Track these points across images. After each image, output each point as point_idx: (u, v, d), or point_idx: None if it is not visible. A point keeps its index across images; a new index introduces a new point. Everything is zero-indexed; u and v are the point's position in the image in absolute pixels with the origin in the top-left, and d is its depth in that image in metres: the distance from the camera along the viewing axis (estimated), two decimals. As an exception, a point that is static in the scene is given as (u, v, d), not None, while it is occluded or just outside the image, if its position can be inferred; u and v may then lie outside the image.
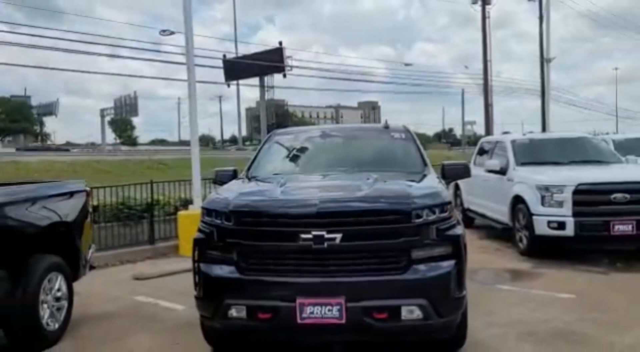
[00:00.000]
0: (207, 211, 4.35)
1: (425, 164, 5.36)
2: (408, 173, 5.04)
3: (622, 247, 8.26)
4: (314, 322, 3.90)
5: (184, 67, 10.31)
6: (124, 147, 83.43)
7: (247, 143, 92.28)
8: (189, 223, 9.41)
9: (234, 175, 5.48)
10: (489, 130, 31.89)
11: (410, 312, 3.94)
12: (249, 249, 4.09)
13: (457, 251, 4.10)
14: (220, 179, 5.48)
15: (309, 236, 3.92)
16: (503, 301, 6.02)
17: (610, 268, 7.60)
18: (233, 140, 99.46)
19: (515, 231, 8.80)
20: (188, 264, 8.06)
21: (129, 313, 6.09)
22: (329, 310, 3.87)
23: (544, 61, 25.92)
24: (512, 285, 6.75)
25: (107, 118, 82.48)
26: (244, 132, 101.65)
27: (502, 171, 9.39)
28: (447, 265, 4.04)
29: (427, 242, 4.02)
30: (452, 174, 5.24)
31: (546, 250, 8.20)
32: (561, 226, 7.85)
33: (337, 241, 3.91)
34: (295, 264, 4.01)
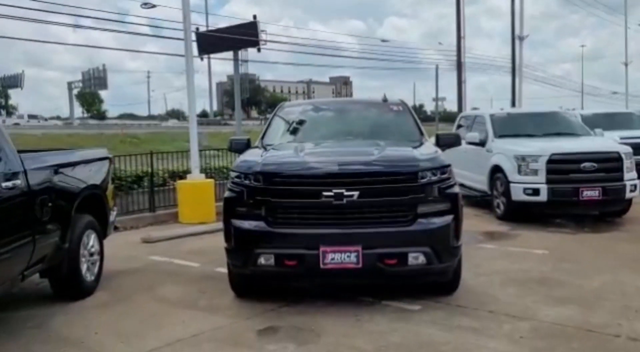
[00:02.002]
0: (237, 173, 4.93)
1: (421, 134, 6.01)
2: (408, 141, 5.69)
3: (588, 212, 9.14)
4: (335, 267, 4.55)
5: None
6: (92, 121, 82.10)
7: (219, 117, 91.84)
8: (188, 191, 9.99)
9: (247, 144, 6.03)
10: (461, 107, 32.77)
11: (416, 258, 4.62)
12: (276, 205, 4.70)
13: (455, 207, 4.79)
14: (235, 147, 6.04)
15: (330, 193, 4.55)
16: (486, 256, 6.78)
17: (578, 230, 8.46)
18: (204, 115, 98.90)
19: (493, 197, 9.59)
20: (191, 229, 8.89)
21: (150, 269, 6.64)
22: (347, 256, 4.53)
23: (515, 39, 26.81)
24: (493, 244, 7.53)
25: (75, 91, 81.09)
26: (215, 107, 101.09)
27: (482, 143, 10.12)
28: (447, 219, 4.72)
29: (430, 199, 4.69)
30: (446, 142, 5.91)
31: (521, 215, 9.01)
32: (536, 192, 8.64)
33: (355, 197, 4.55)
34: (318, 218, 4.65)
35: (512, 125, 10.33)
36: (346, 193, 4.54)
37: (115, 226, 6.60)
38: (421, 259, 4.63)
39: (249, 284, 5.19)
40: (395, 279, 4.97)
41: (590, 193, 8.49)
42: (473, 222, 9.27)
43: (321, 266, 4.54)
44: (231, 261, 4.96)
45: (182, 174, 10.65)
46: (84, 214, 5.47)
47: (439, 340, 4.22)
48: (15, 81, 78.95)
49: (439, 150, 5.26)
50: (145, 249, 7.78)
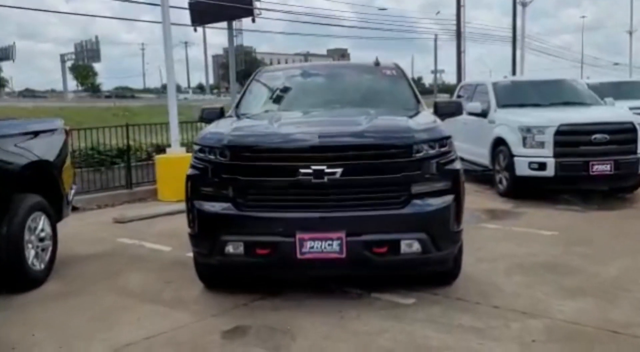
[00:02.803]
0: (200, 147, 4.22)
1: (418, 102, 5.28)
2: (403, 110, 4.96)
3: (598, 187, 8.45)
4: (314, 258, 3.88)
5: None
6: (86, 94, 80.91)
7: (215, 91, 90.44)
8: (167, 167, 9.28)
9: (221, 113, 5.31)
10: (460, 78, 31.88)
11: (409, 245, 3.95)
12: (245, 184, 4.00)
13: (456, 185, 4.09)
14: (207, 117, 5.31)
15: (309, 170, 3.85)
16: (489, 238, 6.12)
17: (588, 207, 7.78)
18: (200, 88, 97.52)
19: (495, 172, 8.91)
20: (168, 208, 8.16)
21: (116, 254, 5.99)
22: (329, 245, 3.85)
23: (516, 5, 25.82)
24: (496, 223, 6.86)
25: (68, 64, 79.62)
26: (211, 80, 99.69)
27: (483, 114, 9.40)
28: (447, 199, 4.03)
29: (427, 177, 3.99)
30: (446, 111, 5.18)
31: (525, 191, 8.34)
32: (542, 166, 7.96)
33: (337, 175, 3.85)
34: (294, 200, 3.96)
35: (516, 94, 9.59)
36: (327, 170, 3.84)
37: (74, 207, 5.90)
38: (416, 246, 3.96)
39: (218, 275, 4.52)
40: (385, 271, 4.31)
41: (602, 167, 7.80)
42: (473, 199, 8.60)
43: (298, 255, 3.87)
44: (195, 249, 4.28)
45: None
46: (29, 194, 4.76)
47: (437, 344, 3.57)
48: (6, 53, 77.37)
49: (438, 120, 4.53)
50: (115, 230, 7.11)
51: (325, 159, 3.87)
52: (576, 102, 9.31)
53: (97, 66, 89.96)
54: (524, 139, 8.17)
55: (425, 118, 4.61)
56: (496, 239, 6.09)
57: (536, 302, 4.21)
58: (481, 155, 9.37)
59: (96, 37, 72.04)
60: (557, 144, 7.92)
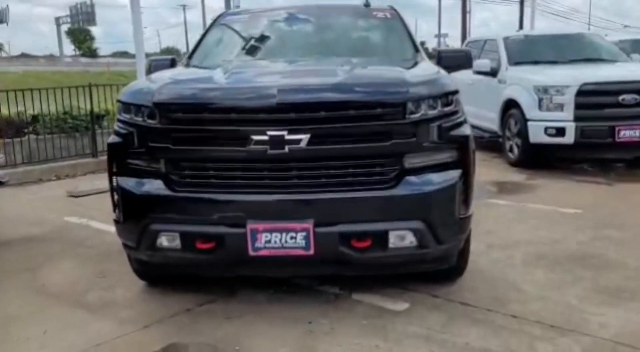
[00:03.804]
0: (123, 105, 3.17)
1: (417, 50, 4.20)
2: (397, 60, 3.89)
3: (623, 156, 7.42)
4: (272, 255, 2.88)
5: None
6: (83, 59, 79.19)
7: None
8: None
9: (171, 65, 4.25)
10: (465, 40, 30.46)
11: (401, 238, 2.95)
12: (180, 157, 2.98)
13: (465, 157, 3.06)
14: (156, 70, 4.23)
15: (264, 137, 2.81)
16: (501, 217, 5.11)
17: (613, 178, 6.75)
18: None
19: (505, 139, 7.86)
20: None
21: (55, 237, 5.01)
22: (291, 238, 2.84)
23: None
24: (508, 199, 5.84)
25: (64, 27, 77.66)
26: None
27: (493, 72, 8.30)
28: (452, 176, 3.01)
29: (426, 146, 2.95)
30: (451, 62, 4.08)
31: (538, 160, 7.32)
32: (560, 132, 6.90)
33: (303, 144, 2.81)
34: (245, 178, 2.93)
35: (530, 51, 8.45)
36: (289, 137, 2.80)
37: (0, 181, 4.90)
38: (409, 239, 2.95)
39: (155, 272, 3.54)
40: (367, 271, 3.31)
41: (630, 133, 6.74)
42: (480, 169, 7.52)
43: (250, 252, 2.87)
44: (122, 239, 3.28)
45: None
46: None
47: (435, 377, 2.60)
48: (-1, 16, 75.39)
49: (442, 71, 3.45)
50: (65, 206, 6.12)
51: (287, 121, 2.83)
52: (599, 58, 8.19)
53: (94, 30, 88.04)
54: (540, 100, 7.08)
55: (425, 69, 3.54)
56: (509, 219, 5.08)
57: (568, 309, 3.22)
58: (489, 119, 8.30)
59: (91, 0, 69.98)
60: (578, 106, 6.84)
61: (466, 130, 3.10)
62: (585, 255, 4.11)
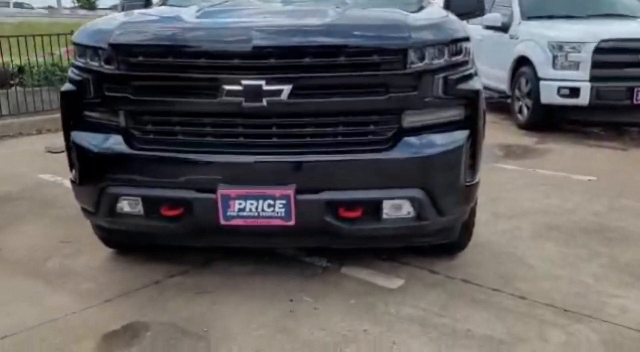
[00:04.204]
0: (78, 48, 2.72)
1: (422, -7, 3.69)
2: (399, 3, 3.39)
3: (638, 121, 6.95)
4: (246, 224, 2.48)
5: None
6: (81, 11, 77.68)
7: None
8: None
9: (145, 4, 3.76)
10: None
11: (397, 208, 2.55)
12: (141, 109, 2.56)
13: (474, 115, 2.64)
14: (130, 10, 3.74)
15: (238, 87, 2.38)
16: (509, 183, 4.71)
17: (628, 143, 6.32)
18: None
19: (515, 99, 7.37)
20: None
21: (25, 196, 4.62)
22: (269, 206, 2.45)
23: None
24: (516, 164, 5.42)
25: (63, -21, 75.82)
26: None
27: (504, 28, 7.73)
28: (458, 137, 2.59)
29: (430, 102, 2.52)
30: (461, 8, 3.56)
31: (549, 123, 6.87)
32: (574, 92, 6.41)
33: (284, 96, 2.38)
34: (217, 134, 2.52)
35: (545, 4, 7.82)
36: (268, 88, 2.37)
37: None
38: (406, 210, 2.56)
39: (120, 239, 3.17)
40: (357, 244, 2.93)
41: (651, 95, 6.26)
42: (487, 131, 7.02)
43: (221, 220, 2.48)
44: (79, 203, 2.89)
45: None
46: None
47: (432, 372, 2.25)
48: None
49: (452, 15, 2.96)
50: (42, 162, 5.72)
51: (265, 69, 2.39)
52: (619, 14, 7.60)
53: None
54: (554, 58, 6.56)
55: (431, 13, 3.06)
56: (517, 185, 4.67)
57: (583, 290, 2.86)
58: (498, 78, 7.78)
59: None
60: (595, 64, 6.33)
61: (476, 84, 2.66)
62: (601, 227, 3.72)
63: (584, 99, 6.36)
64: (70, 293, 2.90)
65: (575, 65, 6.43)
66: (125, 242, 3.16)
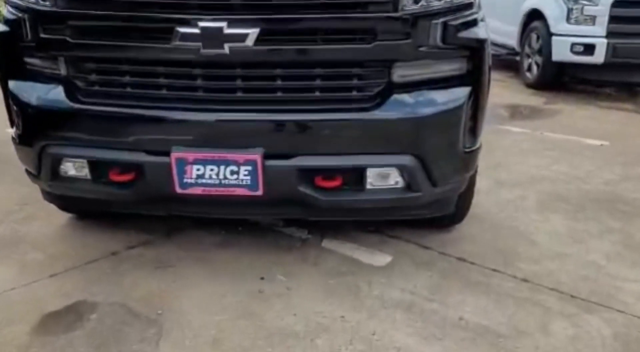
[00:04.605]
0: (11, -18, 2.30)
1: None
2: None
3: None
4: (206, 194, 2.13)
5: None
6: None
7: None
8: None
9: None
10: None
11: (383, 177, 2.19)
12: (83, 55, 2.16)
13: (478, 70, 2.24)
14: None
15: (194, 30, 1.98)
16: (514, 147, 4.33)
17: (642, 106, 5.90)
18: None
19: (524, 56, 6.88)
20: None
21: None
22: (232, 173, 2.08)
23: None
24: (523, 126, 5.02)
25: None
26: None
27: (515, -23, 7.19)
28: (458, 95, 2.20)
29: (425, 52, 2.11)
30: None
31: (559, 82, 6.43)
32: (588, 49, 5.94)
33: (250, 41, 1.98)
34: (170, 87, 2.13)
35: (561, -48, 7.26)
36: (230, 31, 1.97)
37: None
38: (394, 179, 2.20)
39: (73, 206, 2.82)
40: (336, 217, 2.59)
41: (671, 53, 5.79)
42: (493, 90, 6.67)
43: (177, 188, 2.12)
44: (23, 164, 2.53)
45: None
46: None
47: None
48: None
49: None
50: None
51: (226, 8, 1.98)
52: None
53: None
54: (569, 11, 6.06)
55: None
56: (523, 150, 4.29)
57: (594, 273, 2.52)
58: (507, 33, 7.27)
59: None
60: (613, 19, 5.83)
61: (482, 32, 2.25)
62: (614, 198, 3.36)
63: (598, 56, 5.90)
64: (14, 264, 2.57)
65: (592, 20, 5.94)
66: (75, 208, 2.82)
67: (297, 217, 2.66)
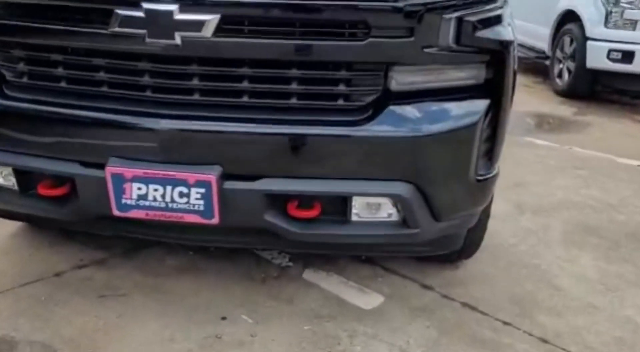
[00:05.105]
0: None
1: None
2: None
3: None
4: (150, 219, 1.71)
5: None
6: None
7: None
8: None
9: None
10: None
11: (373, 208, 1.76)
12: (8, 40, 1.75)
13: (500, 78, 1.78)
14: None
15: (138, 13, 1.55)
16: (538, 163, 3.85)
17: (685, 122, 5.35)
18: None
19: (555, 61, 6.36)
20: None
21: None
22: (180, 195, 1.66)
23: None
24: (549, 139, 4.52)
25: None
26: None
27: (550, -25, 6.65)
28: (473, 109, 1.75)
29: (432, 54, 1.66)
30: None
31: (591, 91, 5.90)
32: (627, 57, 5.42)
33: (208, 31, 1.55)
34: (111, 84, 1.71)
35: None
36: (182, 16, 1.54)
37: None
38: (387, 211, 1.76)
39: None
40: (316, 251, 2.16)
41: None
42: (520, 96, 6.18)
43: (114, 210, 1.70)
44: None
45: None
46: None
47: None
48: None
49: None
50: None
51: (179, -13, 1.55)
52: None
53: None
54: (608, 14, 5.53)
55: None
56: (549, 167, 3.81)
57: (631, 334, 2.05)
58: (537, 35, 6.76)
59: None
60: (657, 24, 5.32)
61: (506, 32, 1.78)
62: (655, 234, 2.88)
63: (637, 65, 5.37)
64: (-64, 284, 2.20)
65: (632, 25, 5.42)
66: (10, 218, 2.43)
67: (268, 248, 2.24)
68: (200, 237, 1.93)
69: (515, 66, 1.87)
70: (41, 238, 2.52)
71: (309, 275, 2.32)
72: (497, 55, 1.74)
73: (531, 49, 6.95)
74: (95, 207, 1.75)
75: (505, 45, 1.75)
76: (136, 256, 2.41)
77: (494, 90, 1.78)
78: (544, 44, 6.66)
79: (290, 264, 2.39)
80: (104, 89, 1.70)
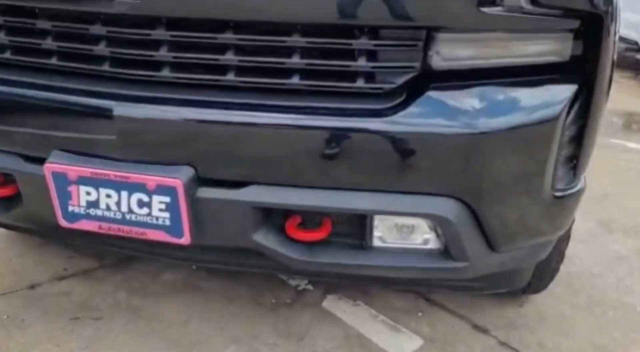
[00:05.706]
0: None
1: None
2: None
3: None
4: (102, 233, 1.29)
5: None
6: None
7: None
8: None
9: None
10: None
11: (403, 231, 1.26)
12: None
13: (594, 55, 1.23)
14: None
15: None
16: (628, 171, 3.22)
17: None
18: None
19: (649, 52, 5.59)
20: None
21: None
22: (140, 204, 1.23)
23: None
24: (642, 141, 3.84)
25: None
26: None
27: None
28: (552, 98, 1.22)
29: (492, 16, 1.14)
30: None
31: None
32: None
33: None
34: (61, 54, 1.30)
35: None
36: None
37: None
38: (423, 236, 1.27)
39: None
40: (329, 278, 1.70)
41: None
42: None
43: (59, 218, 1.30)
44: None
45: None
46: None
47: None
48: None
49: None
50: None
51: None
52: None
53: None
54: None
55: None
56: (642, 177, 3.17)
57: None
58: (631, 24, 5.96)
59: None
60: None
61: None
62: None
63: None
64: None
65: None
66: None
67: (263, 273, 1.79)
68: (180, 256, 1.51)
69: (617, 40, 1.32)
70: (31, 241, 2.19)
71: (330, 303, 1.86)
72: (591, 22, 1.21)
73: (623, 39, 6.14)
74: (40, 213, 1.36)
75: (605, 5, 1.21)
76: (128, 268, 2.03)
77: (585, 73, 1.25)
78: (635, 34, 5.87)
79: (310, 287, 1.93)
80: (48, 61, 1.30)
